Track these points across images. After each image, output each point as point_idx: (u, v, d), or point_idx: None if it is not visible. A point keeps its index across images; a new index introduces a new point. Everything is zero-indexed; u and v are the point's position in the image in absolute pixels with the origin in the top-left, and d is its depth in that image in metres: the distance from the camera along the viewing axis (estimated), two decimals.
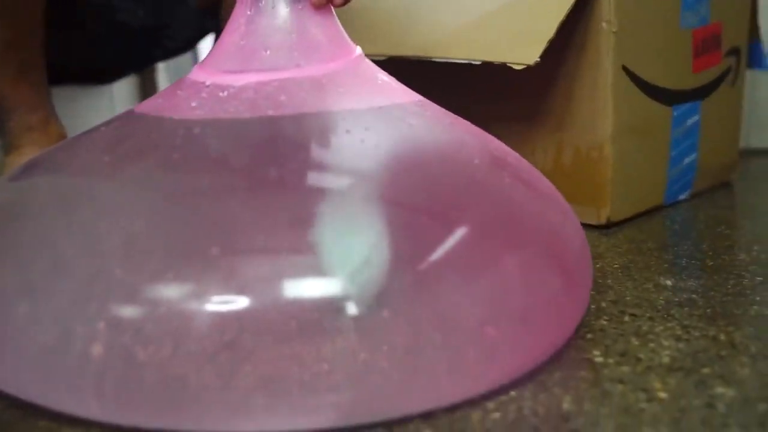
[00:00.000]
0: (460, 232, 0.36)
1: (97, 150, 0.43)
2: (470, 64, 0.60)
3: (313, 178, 0.40)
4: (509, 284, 0.35)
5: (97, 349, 0.34)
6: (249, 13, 0.45)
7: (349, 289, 0.32)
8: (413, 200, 0.38)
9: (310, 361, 0.32)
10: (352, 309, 0.32)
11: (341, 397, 0.32)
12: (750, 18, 0.75)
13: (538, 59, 0.54)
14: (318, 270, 0.33)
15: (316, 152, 0.41)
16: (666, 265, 0.53)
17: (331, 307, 0.32)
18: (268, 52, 0.44)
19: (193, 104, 0.43)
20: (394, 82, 0.46)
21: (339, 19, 0.47)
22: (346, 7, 0.46)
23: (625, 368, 0.37)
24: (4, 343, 0.36)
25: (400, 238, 0.35)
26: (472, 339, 0.33)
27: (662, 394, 0.34)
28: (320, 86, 0.43)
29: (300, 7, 0.45)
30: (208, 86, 0.44)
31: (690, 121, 0.68)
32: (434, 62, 0.65)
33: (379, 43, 0.65)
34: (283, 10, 0.45)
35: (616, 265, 0.53)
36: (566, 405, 0.33)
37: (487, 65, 0.59)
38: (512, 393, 0.35)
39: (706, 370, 0.36)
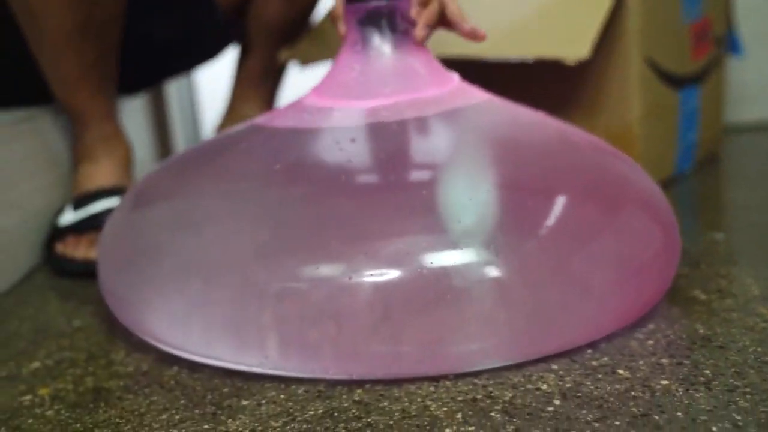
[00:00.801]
0: (578, 200, 0.43)
1: (259, 160, 0.47)
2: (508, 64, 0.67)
3: (451, 168, 0.46)
4: (629, 238, 0.43)
5: (270, 321, 0.39)
6: (360, 55, 0.51)
7: (485, 256, 0.39)
8: (532, 180, 0.45)
9: (469, 314, 0.38)
10: (492, 272, 0.39)
11: (515, 331, 0.39)
12: (726, 10, 0.86)
13: (587, 54, 0.62)
14: (461, 243, 0.39)
15: (449, 145, 0.47)
16: (707, 224, 0.62)
17: (474, 270, 0.38)
18: (388, 86, 0.50)
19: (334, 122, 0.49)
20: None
21: None
22: None
23: (729, 301, 0.45)
24: (190, 316, 0.42)
25: (522, 210, 0.42)
26: (605, 283, 0.40)
27: None
28: (440, 101, 0.50)
29: (404, 42, 0.51)
30: (338, 110, 0.49)
31: (692, 103, 0.78)
32: (462, 69, 0.73)
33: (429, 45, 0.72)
34: (390, 50, 0.51)
35: None
36: (701, 330, 0.42)
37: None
38: (651, 326, 0.43)
39: None
